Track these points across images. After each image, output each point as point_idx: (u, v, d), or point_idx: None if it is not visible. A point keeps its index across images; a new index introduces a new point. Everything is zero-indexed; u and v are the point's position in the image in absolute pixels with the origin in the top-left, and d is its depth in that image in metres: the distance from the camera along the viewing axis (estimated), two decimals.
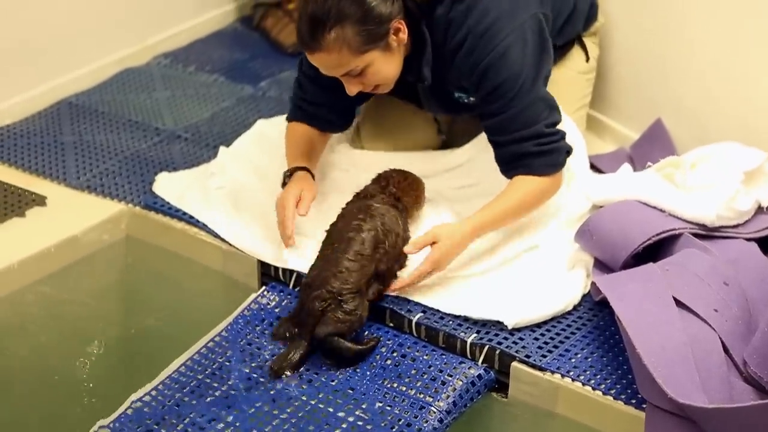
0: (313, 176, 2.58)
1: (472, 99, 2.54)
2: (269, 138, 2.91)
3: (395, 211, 2.45)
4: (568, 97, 2.59)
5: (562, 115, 2.48)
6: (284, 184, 2.55)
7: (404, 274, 2.43)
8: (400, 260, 2.43)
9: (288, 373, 2.25)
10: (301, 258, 2.49)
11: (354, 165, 2.78)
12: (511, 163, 2.47)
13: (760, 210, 2.46)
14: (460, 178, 2.75)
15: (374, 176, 2.58)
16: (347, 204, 2.49)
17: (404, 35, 2.37)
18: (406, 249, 2.40)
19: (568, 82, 2.56)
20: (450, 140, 2.87)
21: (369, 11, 2.28)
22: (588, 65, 2.85)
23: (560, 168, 2.47)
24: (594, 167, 2.79)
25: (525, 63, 2.39)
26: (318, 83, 2.57)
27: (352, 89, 2.42)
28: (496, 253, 2.49)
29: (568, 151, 2.47)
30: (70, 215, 2.73)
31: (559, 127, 2.46)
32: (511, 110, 2.41)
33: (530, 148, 2.42)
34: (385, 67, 2.37)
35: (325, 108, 2.64)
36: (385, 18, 2.31)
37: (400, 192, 2.52)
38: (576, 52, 2.84)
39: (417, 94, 2.64)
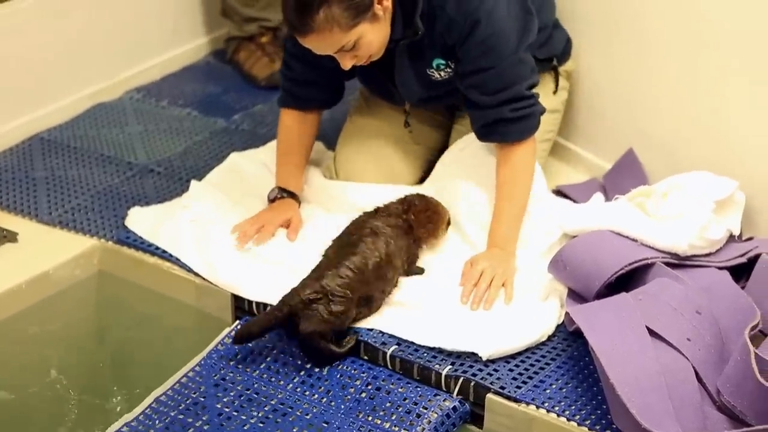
0: (299, 201, 2.73)
1: (449, 70, 2.59)
2: (242, 171, 2.91)
3: (403, 242, 2.48)
4: None
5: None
6: (273, 200, 2.70)
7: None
8: (386, 290, 2.45)
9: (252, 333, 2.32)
10: (268, 287, 2.49)
11: (330, 198, 2.79)
12: (486, 128, 2.58)
13: (731, 239, 2.48)
14: None
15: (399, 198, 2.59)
16: (360, 217, 2.53)
17: (388, 2, 2.42)
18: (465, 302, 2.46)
19: None
20: (415, 133, 2.87)
21: None
22: (555, 102, 2.87)
23: (533, 132, 2.57)
24: (567, 197, 2.80)
25: (510, 20, 2.48)
26: (304, 61, 2.64)
27: (346, 63, 2.47)
28: None
29: (542, 111, 2.58)
30: (41, 251, 2.71)
31: (535, 90, 2.57)
32: (496, 67, 2.50)
33: (507, 114, 2.53)
34: (375, 36, 2.43)
35: (313, 87, 2.72)
36: None
37: (416, 222, 2.54)
38: (545, 88, 2.83)
39: (393, 68, 2.64)
